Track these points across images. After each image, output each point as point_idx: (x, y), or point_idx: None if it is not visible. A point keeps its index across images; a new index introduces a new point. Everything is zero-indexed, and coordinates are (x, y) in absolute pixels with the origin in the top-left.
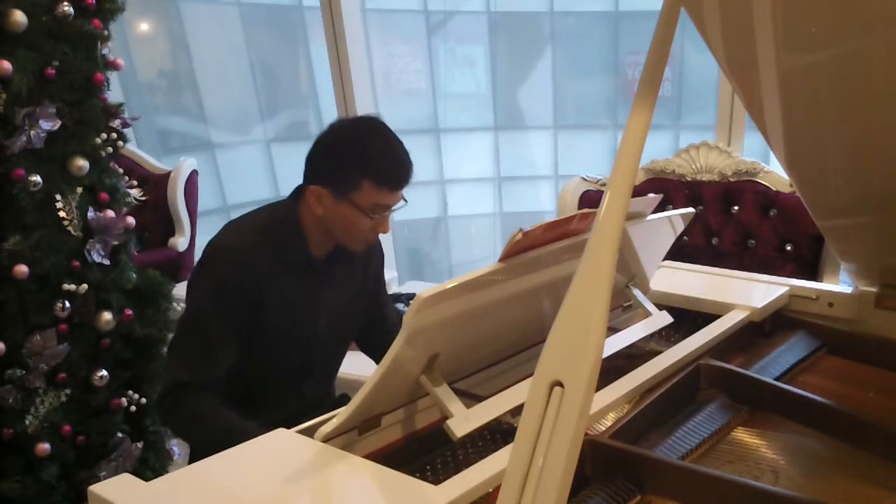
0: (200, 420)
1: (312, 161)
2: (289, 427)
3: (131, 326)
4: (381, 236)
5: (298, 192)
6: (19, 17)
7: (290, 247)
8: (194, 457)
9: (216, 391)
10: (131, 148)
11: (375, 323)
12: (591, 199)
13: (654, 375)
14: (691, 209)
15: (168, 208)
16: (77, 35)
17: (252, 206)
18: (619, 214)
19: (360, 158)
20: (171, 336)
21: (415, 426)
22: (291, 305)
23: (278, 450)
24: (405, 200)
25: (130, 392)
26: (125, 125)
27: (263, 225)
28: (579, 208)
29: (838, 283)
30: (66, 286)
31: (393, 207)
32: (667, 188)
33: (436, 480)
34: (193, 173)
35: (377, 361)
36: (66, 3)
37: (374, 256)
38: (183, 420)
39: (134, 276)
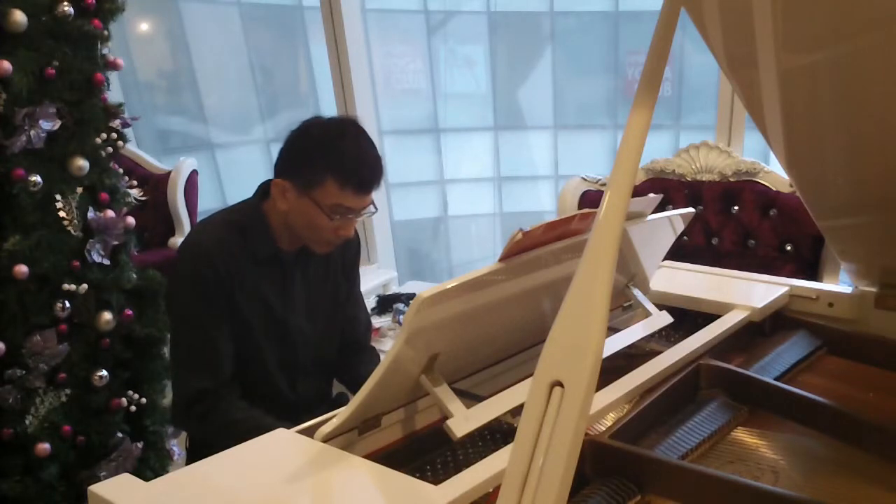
0: (234, 426)
1: (282, 153)
2: (289, 426)
3: (131, 326)
4: (382, 235)
5: (265, 189)
6: (19, 17)
7: (255, 239)
8: (193, 457)
9: (235, 389)
10: (131, 148)
11: (343, 323)
12: (591, 199)
13: (654, 375)
14: (691, 209)
15: (168, 208)
16: (77, 35)
17: None
18: (619, 214)
19: (327, 155)
20: (169, 347)
21: (415, 426)
22: (264, 298)
23: (278, 450)
24: (375, 208)
25: (130, 392)
26: (125, 125)
27: (228, 220)
28: (579, 208)
29: (838, 283)
30: (66, 286)
31: (361, 213)
32: (667, 188)
33: (436, 480)
34: (193, 173)
35: (339, 377)
36: (66, 3)
37: (350, 249)
38: (217, 428)
39: (134, 276)
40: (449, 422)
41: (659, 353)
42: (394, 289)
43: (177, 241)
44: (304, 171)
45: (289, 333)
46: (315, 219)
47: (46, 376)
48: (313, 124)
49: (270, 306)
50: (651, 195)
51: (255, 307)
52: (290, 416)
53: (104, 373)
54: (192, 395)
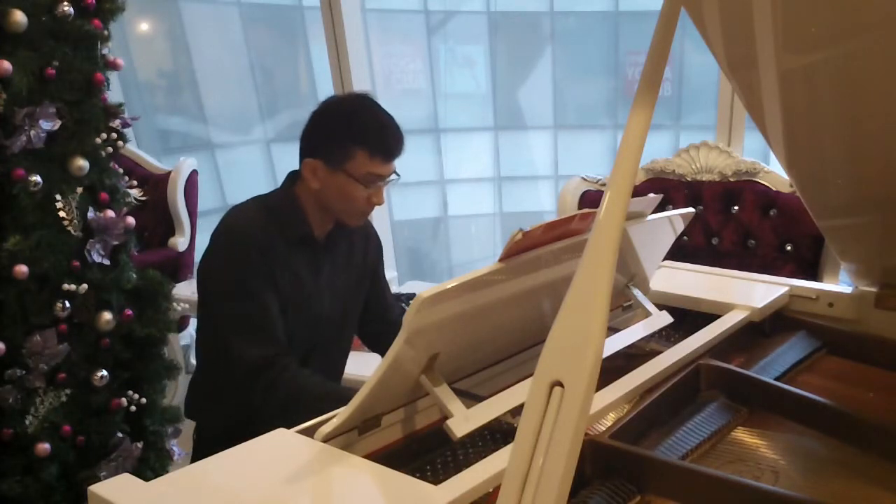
0: (304, 392)
1: (307, 136)
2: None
3: (131, 326)
4: (382, 235)
5: (294, 176)
6: (19, 17)
7: (292, 223)
8: (195, 457)
9: (293, 356)
10: (131, 148)
11: (376, 312)
12: (591, 199)
13: (654, 375)
14: (691, 209)
15: (168, 208)
16: (77, 35)
17: None
18: (619, 214)
19: (353, 128)
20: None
21: (415, 426)
22: (300, 281)
23: (278, 450)
24: (398, 175)
25: (130, 392)
26: (125, 125)
27: (265, 205)
28: (579, 208)
29: (838, 283)
30: (66, 286)
31: (387, 180)
32: (667, 188)
33: (436, 480)
34: (193, 173)
35: (380, 353)
36: (66, 3)
37: (371, 244)
38: (286, 396)
39: (134, 276)
40: (449, 422)
41: (659, 353)
42: (394, 289)
43: (177, 241)
44: (333, 148)
45: (317, 318)
46: (350, 191)
47: (46, 376)
48: (332, 103)
49: (304, 289)
50: (651, 195)
51: (292, 289)
52: None
53: (104, 373)
54: (255, 364)
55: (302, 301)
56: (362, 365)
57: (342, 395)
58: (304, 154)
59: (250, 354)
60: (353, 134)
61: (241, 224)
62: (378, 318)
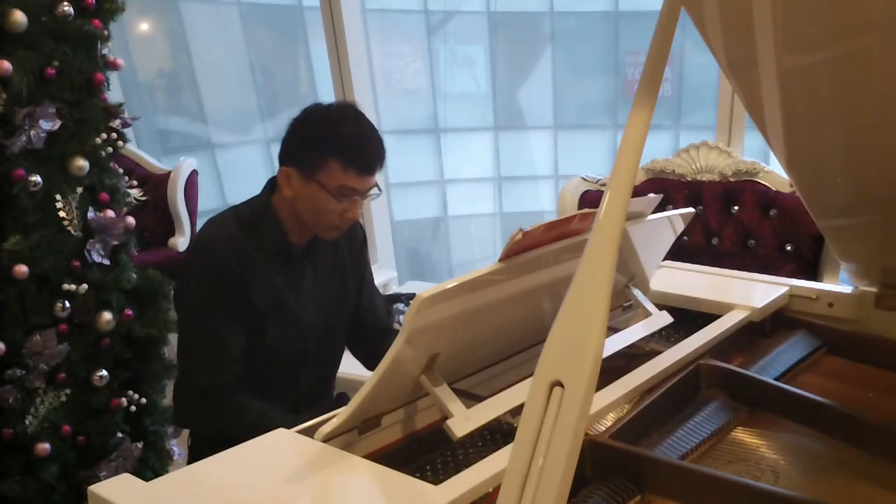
0: (241, 420)
1: (284, 142)
2: (296, 419)
3: (131, 326)
4: (382, 235)
5: (272, 184)
6: (19, 17)
7: (267, 234)
8: (194, 456)
9: (242, 385)
10: (131, 148)
11: (363, 312)
12: (591, 199)
13: (654, 375)
14: (691, 209)
15: (168, 208)
16: (77, 35)
17: None
18: (619, 214)
19: (329, 137)
20: (175, 341)
21: (415, 426)
22: (277, 292)
23: (278, 450)
24: (379, 189)
25: (130, 392)
26: (125, 125)
27: (239, 216)
28: (579, 208)
29: (838, 283)
30: (66, 286)
31: (366, 194)
32: (667, 188)
33: (436, 480)
34: (193, 173)
35: (364, 361)
36: (66, 3)
37: (356, 239)
38: (223, 423)
39: (134, 276)
40: (449, 422)
41: (659, 353)
42: (394, 289)
43: (177, 241)
44: (307, 157)
45: (301, 328)
46: (321, 203)
47: (46, 376)
48: (313, 110)
49: (283, 300)
50: (651, 195)
51: (269, 300)
52: (291, 410)
53: (104, 373)
54: (198, 389)
55: (284, 314)
56: (361, 365)
57: (280, 425)
58: (280, 160)
59: (196, 380)
60: (328, 143)
61: (215, 243)
62: (364, 317)
